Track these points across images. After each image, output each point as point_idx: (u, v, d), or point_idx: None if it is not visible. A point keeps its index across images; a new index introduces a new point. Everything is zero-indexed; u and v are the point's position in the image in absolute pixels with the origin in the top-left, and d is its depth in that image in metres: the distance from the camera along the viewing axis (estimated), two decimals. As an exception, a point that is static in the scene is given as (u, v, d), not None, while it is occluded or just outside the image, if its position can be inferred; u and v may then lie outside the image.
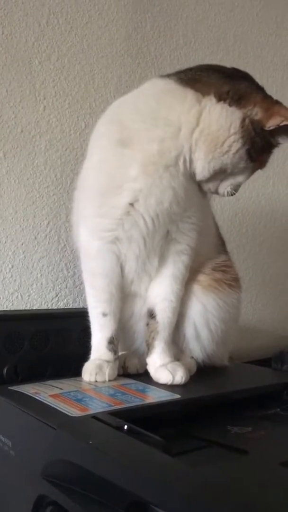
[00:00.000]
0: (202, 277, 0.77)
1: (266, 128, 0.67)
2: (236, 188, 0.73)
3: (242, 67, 1.23)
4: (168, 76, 0.70)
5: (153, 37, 1.09)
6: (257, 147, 0.68)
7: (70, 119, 0.98)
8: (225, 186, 0.72)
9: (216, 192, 0.73)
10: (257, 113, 0.67)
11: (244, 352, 1.02)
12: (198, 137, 0.67)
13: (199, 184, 0.71)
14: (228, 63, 1.22)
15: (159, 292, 0.74)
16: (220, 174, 0.70)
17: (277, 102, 0.69)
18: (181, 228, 0.71)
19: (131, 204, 0.68)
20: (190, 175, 0.69)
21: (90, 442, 0.48)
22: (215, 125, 0.66)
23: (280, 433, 0.60)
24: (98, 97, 1.01)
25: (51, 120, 0.96)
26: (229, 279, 0.79)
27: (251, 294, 1.25)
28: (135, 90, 0.73)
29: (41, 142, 0.95)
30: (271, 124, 0.67)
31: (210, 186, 0.71)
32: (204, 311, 0.76)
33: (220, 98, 0.66)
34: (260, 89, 0.70)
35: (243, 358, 0.96)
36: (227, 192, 0.72)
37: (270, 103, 0.68)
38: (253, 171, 0.72)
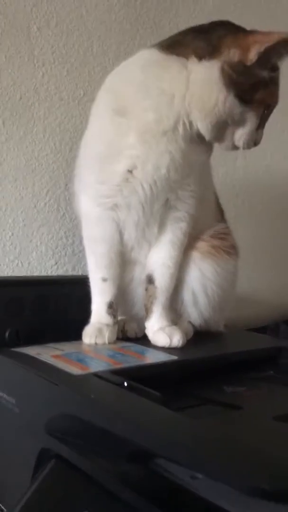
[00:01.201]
0: (200, 244, 0.79)
1: (249, 64, 0.64)
2: (253, 137, 0.70)
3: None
4: (153, 46, 0.70)
5: (152, 4, 1.08)
6: (246, 88, 0.66)
7: (68, 86, 0.98)
8: (238, 138, 0.70)
9: (236, 147, 0.72)
10: (234, 54, 0.65)
11: (240, 321, 1.05)
12: (190, 100, 0.67)
13: (208, 148, 0.72)
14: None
15: (157, 258, 0.76)
16: (224, 127, 0.69)
17: (252, 32, 0.66)
18: (180, 195, 0.72)
19: (130, 171, 0.69)
20: (191, 139, 0.69)
21: (92, 396, 0.50)
22: (200, 83, 0.66)
23: (273, 392, 0.62)
24: (96, 64, 1.01)
25: (50, 88, 0.96)
26: (227, 246, 0.81)
27: (248, 265, 1.26)
28: (128, 59, 0.73)
29: (40, 110, 0.95)
30: (251, 57, 0.64)
31: (226, 143, 0.71)
32: (202, 277, 0.78)
33: (200, 56, 0.66)
34: (235, 30, 0.67)
35: (239, 326, 0.99)
36: (245, 144, 0.70)
37: (244, 38, 0.65)
38: (258, 112, 0.68)
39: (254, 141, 0.71)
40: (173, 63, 0.67)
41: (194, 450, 0.41)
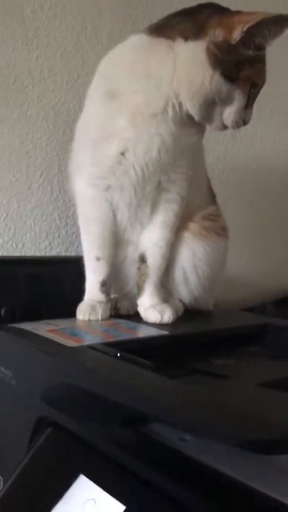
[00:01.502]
0: (192, 225, 0.81)
1: (234, 43, 0.66)
2: (241, 116, 0.72)
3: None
4: (143, 30, 0.72)
5: (145, -12, 1.09)
6: (231, 66, 0.67)
7: (62, 69, 0.99)
8: (227, 117, 0.71)
9: (225, 127, 0.73)
10: (219, 33, 0.66)
11: (229, 301, 1.08)
12: (178, 81, 0.69)
13: (199, 130, 0.74)
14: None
15: (150, 238, 0.78)
16: (212, 106, 0.70)
17: (236, 13, 0.67)
18: (172, 178, 0.75)
19: (122, 154, 0.71)
20: (181, 121, 0.71)
21: (87, 365, 0.53)
22: (186, 64, 0.68)
23: (258, 364, 0.66)
24: (90, 48, 1.02)
25: (44, 70, 0.97)
26: (217, 228, 0.83)
27: (237, 247, 1.29)
28: (119, 44, 0.74)
29: (33, 93, 0.96)
30: (235, 36, 0.65)
31: (216, 123, 0.72)
32: (193, 256, 0.80)
33: (186, 37, 0.67)
34: (220, 11, 0.68)
35: (227, 307, 1.02)
36: (234, 122, 0.72)
37: (228, 17, 0.67)
38: (245, 90, 0.70)
39: (242, 120, 0.72)
40: (160, 46, 0.69)
41: (184, 411, 0.43)
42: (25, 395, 0.63)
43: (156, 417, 0.46)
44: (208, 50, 0.66)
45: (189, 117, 0.71)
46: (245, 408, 0.42)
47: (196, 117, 0.71)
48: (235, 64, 0.67)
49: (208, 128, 0.76)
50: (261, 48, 0.68)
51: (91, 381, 0.52)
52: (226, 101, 0.70)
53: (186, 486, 0.45)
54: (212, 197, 0.88)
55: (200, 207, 0.83)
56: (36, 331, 0.67)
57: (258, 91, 0.73)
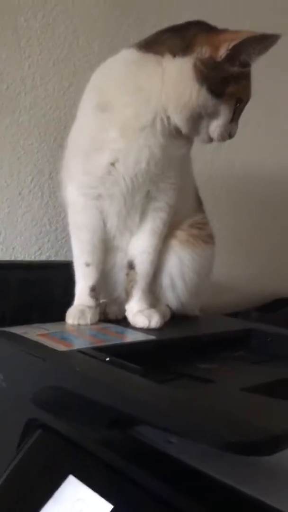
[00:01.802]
0: (179, 233, 0.84)
1: (219, 60, 0.68)
2: (227, 129, 0.74)
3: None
4: (133, 45, 0.74)
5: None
6: (217, 82, 0.69)
7: (54, 77, 1.01)
8: (213, 130, 0.73)
9: (211, 140, 0.76)
10: (205, 51, 0.68)
11: (215, 306, 1.10)
12: (166, 95, 0.71)
13: (187, 142, 0.76)
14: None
15: (138, 246, 0.80)
16: (199, 120, 0.72)
17: (223, 31, 0.69)
18: (161, 187, 0.77)
19: (112, 164, 0.73)
20: (170, 134, 0.73)
21: (77, 369, 0.55)
22: (174, 79, 0.70)
23: (242, 369, 0.68)
24: (81, 56, 1.04)
25: (36, 78, 0.99)
26: (204, 236, 0.86)
27: (224, 254, 1.32)
28: (111, 57, 0.76)
29: (26, 100, 0.98)
30: (220, 53, 0.68)
31: (202, 135, 0.75)
32: (180, 263, 0.82)
33: (174, 54, 0.70)
34: (208, 29, 0.71)
35: (213, 312, 1.04)
36: (220, 136, 0.73)
37: (215, 35, 0.69)
38: (231, 105, 0.72)
39: (228, 133, 0.75)
40: (149, 61, 0.71)
41: (170, 414, 0.45)
42: (16, 398, 0.64)
43: (144, 420, 0.48)
44: (195, 66, 0.69)
45: (177, 130, 0.73)
46: (229, 411, 0.44)
47: (184, 130, 0.73)
48: (220, 80, 0.70)
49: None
50: (246, 65, 0.70)
51: (81, 385, 0.54)
52: (212, 115, 0.72)
53: (172, 486, 0.47)
54: (199, 205, 0.90)
55: (187, 215, 0.86)
56: (26, 335, 0.68)
57: (244, 106, 0.75)
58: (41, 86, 0.99)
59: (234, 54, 0.68)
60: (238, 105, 0.73)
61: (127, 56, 0.73)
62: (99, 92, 0.75)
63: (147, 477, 0.48)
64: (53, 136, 1.00)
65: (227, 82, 0.70)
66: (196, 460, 0.48)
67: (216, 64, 0.68)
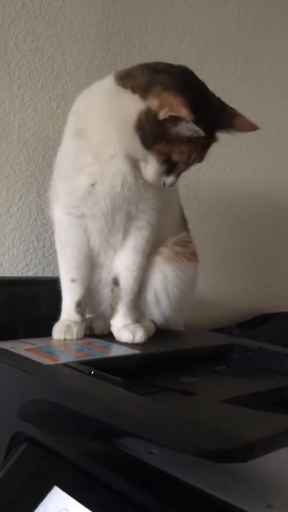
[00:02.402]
0: (164, 250, 0.86)
1: (160, 118, 0.69)
2: (158, 179, 0.74)
3: (205, 55, 1.31)
4: (115, 73, 0.76)
5: (123, 24, 1.15)
6: (148, 135, 0.70)
7: (42, 99, 1.04)
8: (145, 173, 0.74)
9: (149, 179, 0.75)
10: (154, 103, 0.69)
11: (199, 322, 1.12)
12: (119, 127, 0.73)
13: None
14: (193, 51, 1.30)
15: (122, 263, 0.82)
16: (136, 159, 0.74)
17: (175, 94, 0.68)
18: (140, 208, 0.80)
19: (92, 185, 0.76)
20: (135, 162, 0.75)
21: (63, 382, 0.56)
22: (123, 113, 0.72)
23: (223, 382, 0.70)
24: (69, 79, 1.07)
25: (25, 99, 1.02)
26: (188, 253, 0.88)
27: (208, 270, 1.35)
28: (95, 83, 0.79)
29: (15, 120, 1.00)
30: (161, 115, 0.68)
31: (142, 172, 0.75)
32: (164, 279, 0.85)
33: (133, 90, 0.71)
34: (174, 84, 0.70)
35: (197, 328, 1.06)
36: (152, 180, 0.74)
37: (167, 95, 0.68)
38: (159, 160, 0.72)
39: (163, 183, 0.75)
40: (116, 92, 0.73)
41: (151, 425, 0.47)
42: (2, 411, 0.65)
43: (126, 431, 0.50)
44: (140, 111, 0.70)
45: None
46: (206, 421, 0.46)
47: (128, 164, 0.74)
48: (152, 136, 0.70)
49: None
50: (183, 135, 0.69)
51: (66, 398, 0.55)
52: (144, 160, 0.73)
53: (154, 495, 0.48)
54: (184, 223, 0.93)
55: (172, 233, 0.88)
56: (13, 350, 0.70)
57: (187, 167, 0.75)
58: (30, 106, 1.02)
59: (173, 121, 0.68)
60: (174, 163, 0.73)
61: (103, 83, 0.77)
62: (77, 117, 0.78)
63: (129, 487, 0.49)
64: (41, 155, 1.03)
65: (157, 140, 0.71)
66: (177, 469, 0.50)
67: (155, 120, 0.69)
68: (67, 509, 0.52)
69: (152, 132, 0.70)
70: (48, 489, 0.54)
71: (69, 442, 0.56)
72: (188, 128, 0.68)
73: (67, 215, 0.80)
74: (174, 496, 0.48)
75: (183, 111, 0.67)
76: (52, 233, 0.89)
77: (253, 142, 1.42)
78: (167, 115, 0.68)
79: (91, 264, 0.82)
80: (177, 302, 0.87)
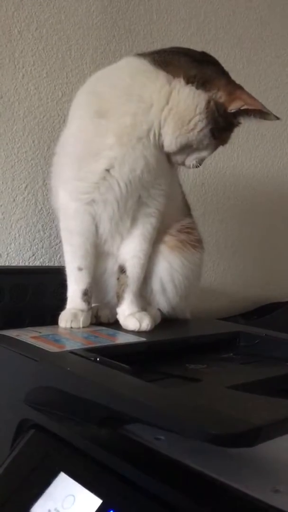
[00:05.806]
0: (168, 238, 0.86)
1: (229, 111, 0.74)
2: (200, 162, 0.80)
3: (211, 42, 1.29)
4: (144, 56, 0.76)
5: (127, 11, 1.14)
6: (220, 127, 0.75)
7: (47, 87, 1.03)
8: (191, 160, 0.79)
9: (183, 164, 0.80)
10: (221, 96, 0.74)
11: (205, 312, 1.12)
12: (167, 114, 0.74)
13: (167, 155, 0.79)
14: (198, 39, 1.28)
15: (129, 250, 0.82)
16: (186, 148, 0.77)
17: (240, 87, 0.76)
18: (152, 193, 0.79)
19: (107, 170, 0.75)
20: (160, 147, 0.76)
21: (68, 369, 0.56)
22: (182, 105, 0.73)
23: (230, 369, 0.70)
24: (74, 67, 1.06)
25: (30, 88, 1.01)
26: (192, 240, 0.88)
27: (213, 259, 1.35)
28: (113, 65, 0.79)
29: (20, 109, 1.00)
30: (233, 107, 0.74)
31: (178, 158, 0.79)
32: (169, 268, 0.85)
33: (188, 81, 0.73)
34: (225, 74, 0.77)
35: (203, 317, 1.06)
36: (193, 165, 0.80)
37: (233, 88, 0.75)
38: (216, 147, 0.79)
39: (199, 165, 0.81)
40: (160, 77, 0.74)
41: (158, 410, 0.47)
42: (9, 399, 0.66)
43: (132, 417, 0.50)
44: (208, 104, 0.74)
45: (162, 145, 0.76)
46: (213, 406, 0.46)
47: (167, 149, 0.76)
48: (223, 126, 0.76)
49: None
50: (240, 121, 0.77)
51: (72, 384, 0.55)
52: (200, 149, 0.78)
53: (160, 480, 0.48)
54: (187, 209, 0.92)
55: (176, 219, 0.88)
56: (20, 337, 0.70)
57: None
58: (35, 95, 1.02)
59: (241, 112, 0.75)
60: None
61: (138, 65, 0.76)
62: (99, 97, 0.76)
63: (135, 473, 0.49)
64: (47, 144, 1.03)
65: (226, 130, 0.77)
66: (183, 455, 0.50)
67: (225, 113, 0.75)
68: (73, 495, 0.52)
69: (223, 123, 0.75)
70: (54, 475, 0.54)
71: (76, 428, 0.56)
72: (257, 115, 0.75)
73: (75, 202, 0.78)
74: (181, 482, 0.48)
75: (257, 103, 0.74)
76: (59, 222, 0.89)
77: (260, 129, 1.41)
78: (242, 107, 0.74)
79: (97, 252, 0.82)
80: (183, 290, 0.86)
